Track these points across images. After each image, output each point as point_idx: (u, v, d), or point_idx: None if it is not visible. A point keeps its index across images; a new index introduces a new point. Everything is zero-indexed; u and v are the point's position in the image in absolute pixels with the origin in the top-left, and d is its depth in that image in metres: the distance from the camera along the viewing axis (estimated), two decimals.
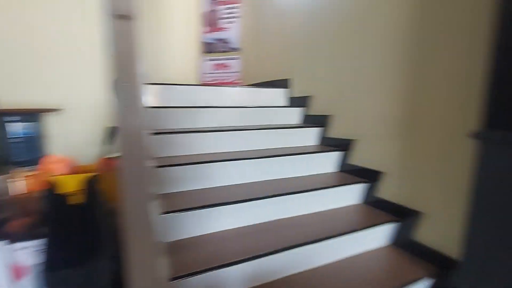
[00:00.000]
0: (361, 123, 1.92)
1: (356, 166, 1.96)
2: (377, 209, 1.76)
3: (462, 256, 1.14)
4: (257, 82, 3.34)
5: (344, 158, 2.05)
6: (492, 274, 1.05)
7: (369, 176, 1.83)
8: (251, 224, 1.57)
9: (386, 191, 1.75)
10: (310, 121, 2.45)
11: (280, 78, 2.84)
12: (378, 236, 1.59)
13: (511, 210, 0.98)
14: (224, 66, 3.91)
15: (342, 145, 2.06)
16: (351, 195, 1.83)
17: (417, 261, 1.47)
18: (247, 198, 1.53)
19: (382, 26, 1.71)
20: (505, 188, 0.99)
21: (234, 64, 3.82)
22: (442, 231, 1.44)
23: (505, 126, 0.99)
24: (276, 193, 1.60)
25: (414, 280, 1.33)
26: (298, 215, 1.69)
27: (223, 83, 3.86)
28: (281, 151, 1.97)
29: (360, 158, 1.94)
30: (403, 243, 1.60)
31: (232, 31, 3.75)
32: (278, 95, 2.75)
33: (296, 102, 2.63)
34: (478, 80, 1.26)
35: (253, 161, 1.81)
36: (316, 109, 2.39)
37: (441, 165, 1.43)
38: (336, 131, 2.16)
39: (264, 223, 1.59)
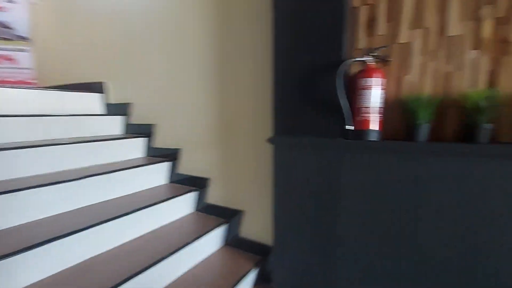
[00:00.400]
0: (185, 132, 1.90)
1: (185, 175, 1.93)
2: (208, 215, 1.80)
3: (273, 243, 1.36)
4: (61, 84, 2.67)
5: (173, 168, 1.98)
6: (293, 253, 1.31)
7: (198, 183, 1.85)
8: (63, 269, 1.19)
9: (214, 195, 1.82)
10: (133, 131, 2.20)
11: (93, 81, 2.40)
12: (212, 241, 1.62)
13: (297, 200, 1.26)
14: (8, 59, 2.88)
15: (170, 155, 1.99)
16: (183, 205, 1.78)
17: (246, 255, 1.61)
18: (50, 237, 1.14)
19: (197, 41, 1.76)
20: (290, 182, 1.26)
21: (23, 58, 2.88)
22: (260, 224, 1.65)
23: (286, 132, 1.26)
24: (94, 223, 1.28)
25: (245, 273, 1.44)
26: (128, 241, 1.44)
27: (7, 82, 2.84)
28: (101, 169, 1.63)
29: (188, 166, 1.92)
30: (233, 242, 1.72)
31: (15, 14, 2.81)
32: (92, 101, 2.29)
33: (115, 109, 2.28)
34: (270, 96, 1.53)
35: (62, 186, 1.38)
36: (139, 118, 2.17)
37: (253, 167, 1.62)
38: (163, 141, 2.05)
39: (81, 263, 1.23)
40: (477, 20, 0.93)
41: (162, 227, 1.62)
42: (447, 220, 0.95)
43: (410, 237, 1.02)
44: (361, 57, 1.08)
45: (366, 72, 1.04)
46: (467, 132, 0.93)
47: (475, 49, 0.95)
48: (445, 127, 1.01)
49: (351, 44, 1.15)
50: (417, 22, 1.03)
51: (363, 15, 1.12)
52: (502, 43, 0.91)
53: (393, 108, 1.10)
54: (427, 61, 1.02)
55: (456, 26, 0.97)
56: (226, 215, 1.74)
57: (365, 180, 1.08)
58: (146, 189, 1.83)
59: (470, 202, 0.91)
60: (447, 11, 0.97)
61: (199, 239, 1.50)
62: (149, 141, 2.10)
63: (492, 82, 0.93)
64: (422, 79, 1.04)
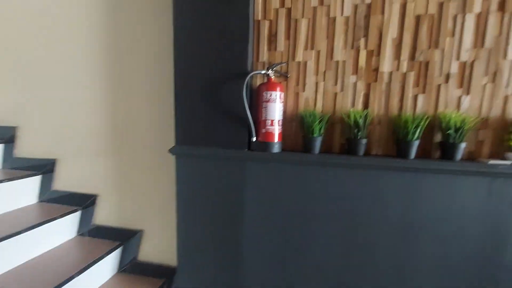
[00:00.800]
0: (63, 137, 1.55)
1: (64, 191, 1.57)
2: (97, 239, 1.52)
3: (178, 262, 1.25)
4: None
5: (47, 184, 1.59)
6: (199, 270, 1.24)
7: (81, 201, 1.54)
8: None
9: (104, 214, 1.55)
10: None
11: None
12: (103, 270, 1.37)
13: (201, 214, 1.20)
14: None
15: (42, 166, 1.59)
16: (63, 229, 1.44)
17: (147, 280, 1.43)
18: None
19: (83, 28, 1.45)
20: (194, 195, 1.19)
21: None
22: (164, 243, 1.49)
23: (190, 142, 1.18)
24: None
25: None
26: None
27: None
28: None
29: (68, 181, 1.58)
30: (131, 267, 1.50)
31: None
32: None
33: None
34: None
35: None
36: None
37: (154, 180, 1.46)
38: (30, 149, 1.62)
39: None
40: (356, 50, 1.09)
41: (30, 261, 1.27)
42: (332, 220, 1.08)
43: (307, 242, 1.12)
44: (264, 71, 1.11)
45: (269, 85, 1.07)
46: (349, 145, 1.08)
47: (354, 74, 1.10)
48: (333, 140, 1.14)
49: (255, 56, 1.17)
50: (311, 43, 1.13)
51: (264, 30, 1.15)
52: (373, 71, 1.09)
53: (292, 121, 1.17)
54: (319, 80, 1.14)
55: (340, 53, 1.11)
56: (121, 237, 1.50)
57: (267, 191, 1.12)
58: (5, 213, 1.40)
59: (349, 205, 1.06)
60: (334, 38, 1.10)
61: (85, 271, 1.24)
62: (8, 149, 1.62)
63: (366, 103, 1.10)
64: (316, 97, 1.14)
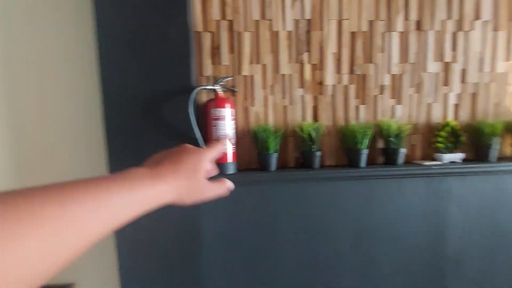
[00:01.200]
0: None
1: None
2: None
3: None
4: None
5: None
6: None
7: None
8: None
9: None
10: None
11: None
12: None
13: (150, 253, 1.02)
14: None
15: None
16: None
17: None
18: None
19: None
20: (138, 232, 1.01)
21: None
22: None
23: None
24: None
25: None
26: None
27: None
28: None
29: None
30: None
31: None
32: None
33: None
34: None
35: None
36: None
37: None
38: None
39: None
40: (300, 64, 1.10)
41: None
42: (294, 235, 1.05)
43: (271, 261, 1.05)
44: (210, 86, 1.02)
45: (219, 102, 0.99)
46: (304, 159, 1.07)
47: (301, 87, 1.11)
48: (288, 154, 1.12)
49: (198, 70, 1.08)
50: (256, 57, 1.09)
51: (206, 42, 1.07)
52: (318, 84, 1.11)
53: (244, 137, 1.11)
54: (267, 94, 1.11)
55: (285, 66, 1.10)
56: None
57: (225, 216, 1.02)
58: None
59: (310, 218, 1.05)
60: (279, 52, 1.09)
61: None
62: None
63: (315, 116, 1.12)
64: (266, 111, 1.11)
